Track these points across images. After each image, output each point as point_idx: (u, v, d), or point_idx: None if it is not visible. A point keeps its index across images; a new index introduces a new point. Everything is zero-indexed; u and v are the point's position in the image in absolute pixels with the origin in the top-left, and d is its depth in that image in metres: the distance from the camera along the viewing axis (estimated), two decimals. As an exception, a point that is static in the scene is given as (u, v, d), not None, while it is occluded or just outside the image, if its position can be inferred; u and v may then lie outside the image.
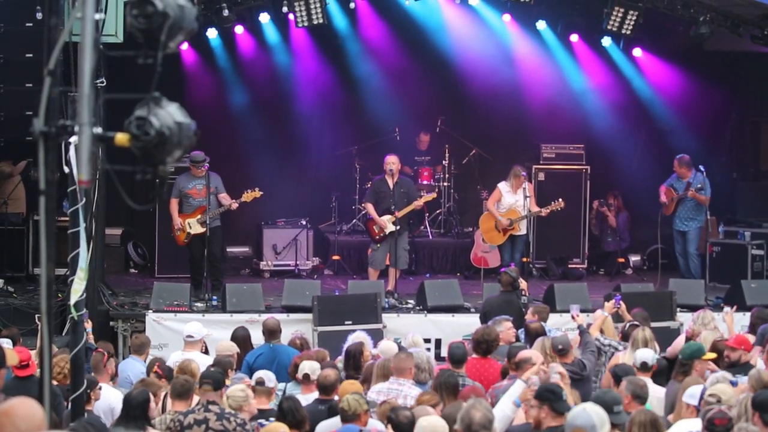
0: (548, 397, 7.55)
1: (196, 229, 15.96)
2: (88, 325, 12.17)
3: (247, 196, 15.97)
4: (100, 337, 12.99)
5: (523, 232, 17.22)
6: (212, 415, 8.38)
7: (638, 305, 13.12)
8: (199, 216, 15.94)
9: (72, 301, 8.02)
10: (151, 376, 10.41)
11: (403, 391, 9.56)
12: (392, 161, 16.54)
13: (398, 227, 16.26)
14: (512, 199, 17.11)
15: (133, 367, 11.64)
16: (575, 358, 10.53)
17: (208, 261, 16.13)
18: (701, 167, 17.17)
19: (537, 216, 17.20)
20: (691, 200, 17.21)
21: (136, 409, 8.34)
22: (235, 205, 15.96)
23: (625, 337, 11.54)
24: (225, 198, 15.99)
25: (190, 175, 16.13)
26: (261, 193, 16.05)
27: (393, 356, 10.06)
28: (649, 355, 10.19)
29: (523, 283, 14.03)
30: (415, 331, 12.50)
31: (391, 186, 16.47)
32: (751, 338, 11.46)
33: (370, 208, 16.57)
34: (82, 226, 7.71)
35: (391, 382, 9.70)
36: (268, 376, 9.35)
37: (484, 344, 10.80)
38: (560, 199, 16.89)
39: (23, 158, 17.33)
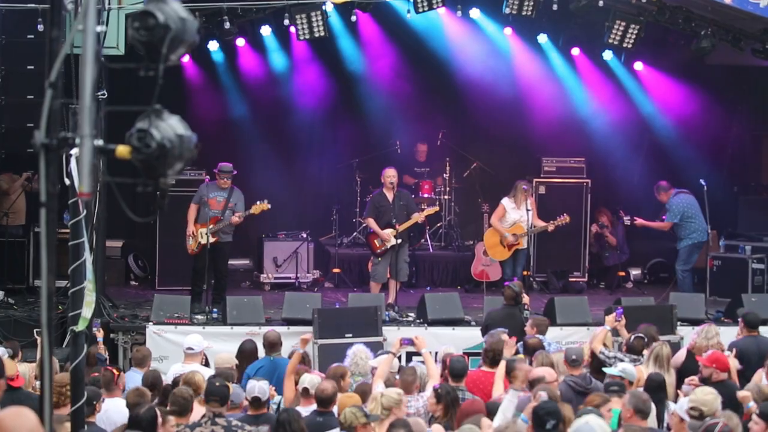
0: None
1: (206, 238, 15.94)
2: (99, 335, 12.19)
3: (256, 208, 15.98)
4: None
5: (525, 245, 17.25)
6: (219, 428, 8.37)
7: (639, 319, 13.11)
8: (211, 226, 15.92)
9: (87, 315, 8.00)
10: None
11: (411, 405, 9.60)
12: (391, 174, 16.55)
13: (399, 240, 16.28)
14: (516, 215, 17.11)
15: (135, 380, 11.60)
16: (583, 371, 10.51)
17: (214, 275, 16.14)
18: (702, 181, 17.21)
19: (543, 231, 17.22)
20: (683, 220, 17.23)
21: (147, 429, 8.34)
22: (236, 220, 15.94)
23: (630, 349, 11.51)
24: (238, 216, 15.98)
25: (215, 185, 16.16)
26: (269, 206, 16.05)
27: (398, 372, 10.10)
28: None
29: (525, 298, 14.04)
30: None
31: (391, 199, 16.49)
32: None
33: (371, 222, 16.56)
34: (85, 238, 7.71)
35: None
36: (262, 390, 9.33)
37: (491, 353, 10.80)
38: (565, 214, 16.94)
39: (25, 170, 17.28)
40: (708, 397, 8.40)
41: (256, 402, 9.30)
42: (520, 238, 17.05)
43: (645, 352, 11.22)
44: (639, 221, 17.45)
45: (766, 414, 7.78)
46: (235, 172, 16.18)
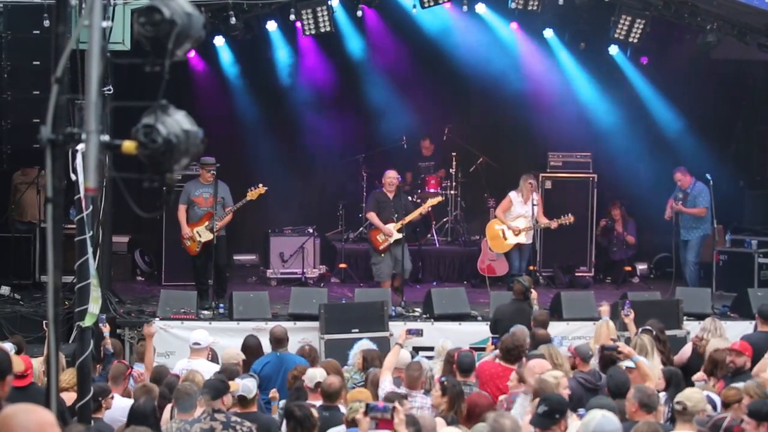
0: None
1: (206, 236, 15.87)
2: (106, 329, 12.22)
3: (252, 194, 15.91)
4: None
5: (530, 240, 17.25)
6: (218, 424, 8.35)
7: (645, 313, 13.11)
8: (207, 223, 15.89)
9: (95, 310, 8.00)
10: None
11: (417, 402, 9.57)
12: (392, 176, 16.75)
13: (404, 234, 16.35)
14: (522, 210, 17.14)
15: (140, 375, 11.63)
16: (592, 368, 10.48)
17: (215, 270, 16.12)
18: (708, 176, 17.20)
19: (546, 228, 17.24)
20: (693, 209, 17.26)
21: (149, 417, 8.36)
22: (228, 219, 15.93)
23: None
24: (229, 212, 15.93)
25: (198, 182, 16.08)
26: (265, 188, 15.99)
27: (405, 367, 10.06)
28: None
29: (534, 293, 14.03)
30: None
31: (391, 198, 16.60)
32: None
33: (373, 216, 16.61)
34: (89, 233, 7.72)
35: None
36: (247, 387, 9.29)
37: (516, 350, 10.67)
38: (569, 214, 16.96)
39: (32, 166, 17.22)
40: (696, 395, 8.31)
41: (242, 400, 9.24)
42: (522, 232, 17.06)
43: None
44: (677, 206, 17.42)
45: (755, 413, 7.73)
46: (218, 165, 16.07)
